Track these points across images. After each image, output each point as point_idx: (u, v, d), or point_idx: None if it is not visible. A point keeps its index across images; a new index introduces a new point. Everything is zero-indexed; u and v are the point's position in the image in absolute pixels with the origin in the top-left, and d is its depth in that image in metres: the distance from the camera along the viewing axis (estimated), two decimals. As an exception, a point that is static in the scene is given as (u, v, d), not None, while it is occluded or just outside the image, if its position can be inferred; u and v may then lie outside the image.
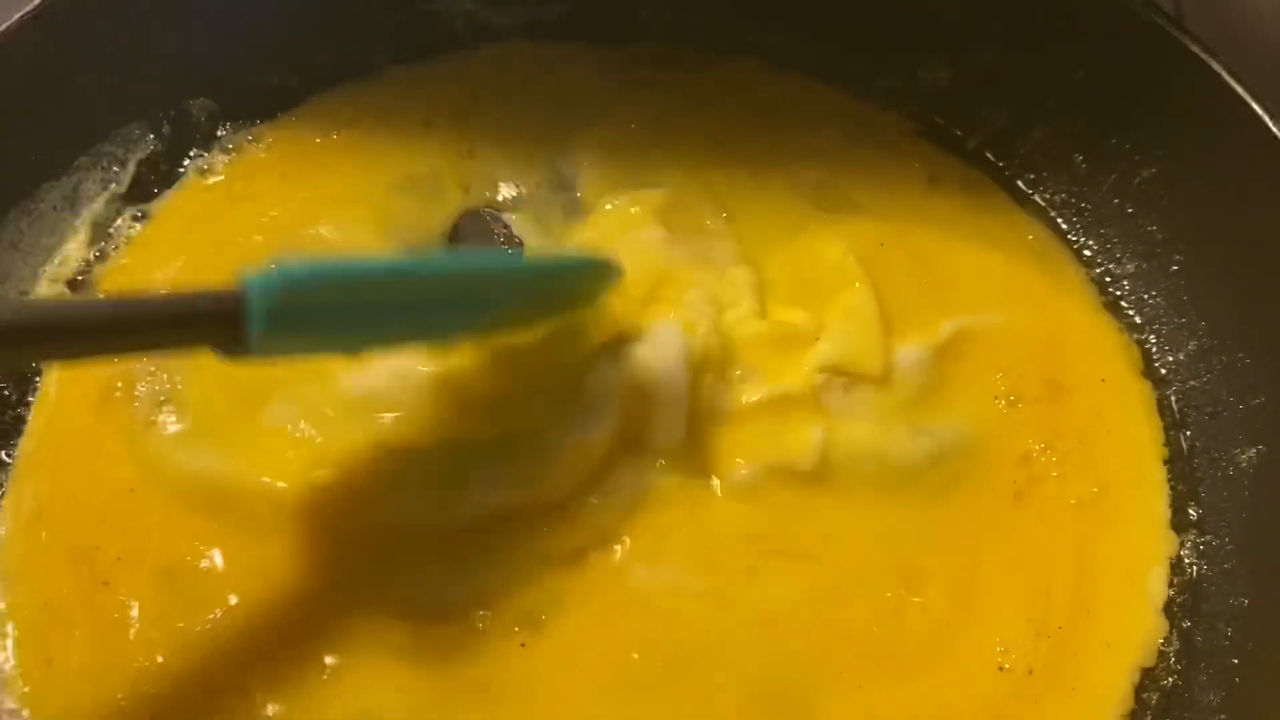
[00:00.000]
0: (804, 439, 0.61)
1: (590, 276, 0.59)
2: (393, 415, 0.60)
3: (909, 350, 0.65)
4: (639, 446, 0.60)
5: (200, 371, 0.62)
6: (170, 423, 0.61)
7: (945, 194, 0.76)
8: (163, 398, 0.62)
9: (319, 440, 0.60)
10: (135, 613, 0.56)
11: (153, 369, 0.63)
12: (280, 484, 0.58)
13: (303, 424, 0.60)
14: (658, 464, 0.60)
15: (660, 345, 0.60)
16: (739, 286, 0.66)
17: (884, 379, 0.64)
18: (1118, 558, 0.61)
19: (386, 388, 0.60)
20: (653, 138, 0.75)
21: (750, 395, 0.62)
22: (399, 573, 0.57)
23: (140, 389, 0.62)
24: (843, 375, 0.63)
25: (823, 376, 0.62)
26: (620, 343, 0.60)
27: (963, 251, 0.73)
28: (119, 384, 0.63)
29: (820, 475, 0.61)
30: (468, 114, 0.76)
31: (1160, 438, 0.66)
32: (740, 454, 0.61)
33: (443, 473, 0.58)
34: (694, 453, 0.60)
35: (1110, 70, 0.71)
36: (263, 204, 0.71)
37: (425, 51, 0.78)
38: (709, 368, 0.61)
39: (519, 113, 0.76)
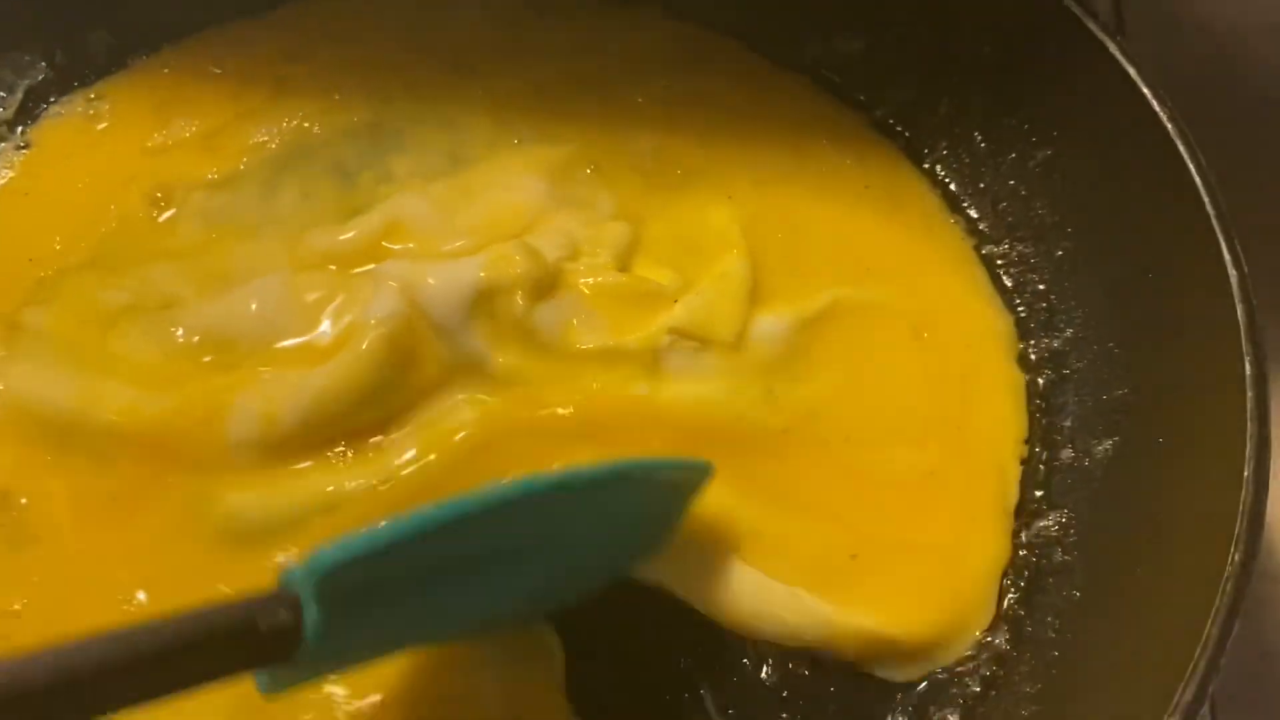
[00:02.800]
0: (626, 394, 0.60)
1: (675, 481, 0.53)
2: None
3: (770, 320, 0.64)
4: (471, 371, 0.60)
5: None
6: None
7: (847, 163, 0.75)
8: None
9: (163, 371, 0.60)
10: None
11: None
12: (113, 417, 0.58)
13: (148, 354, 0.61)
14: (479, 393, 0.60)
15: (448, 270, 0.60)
16: (606, 239, 0.65)
17: (735, 347, 0.63)
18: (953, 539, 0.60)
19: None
20: (550, 91, 0.74)
21: (584, 343, 0.61)
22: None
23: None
24: (691, 339, 0.62)
25: (669, 338, 0.62)
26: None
27: (855, 222, 0.71)
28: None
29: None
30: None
31: (1024, 423, 0.65)
32: (558, 399, 0.60)
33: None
34: (512, 381, 0.60)
35: (1015, 49, 0.70)
36: (146, 142, 0.71)
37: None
38: (520, 289, 0.60)
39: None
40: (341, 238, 0.65)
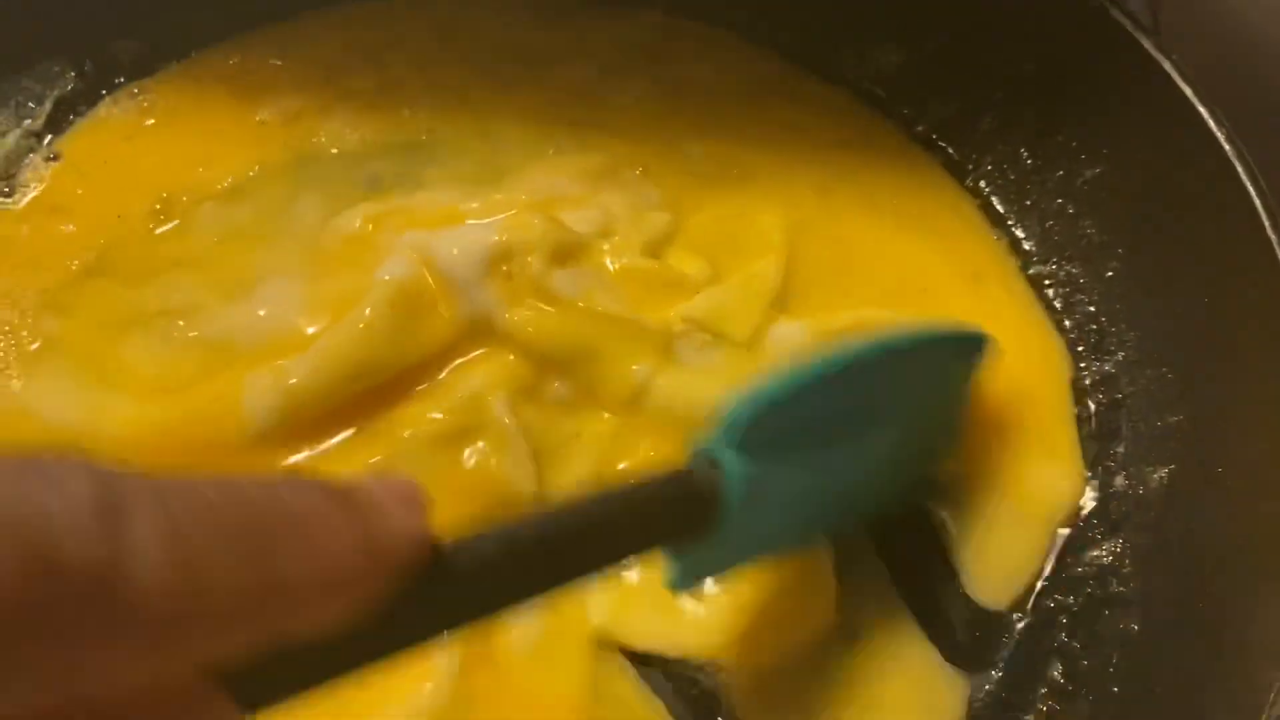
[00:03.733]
0: (624, 371, 0.59)
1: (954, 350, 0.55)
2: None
3: (791, 327, 0.63)
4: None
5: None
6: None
7: (889, 178, 0.73)
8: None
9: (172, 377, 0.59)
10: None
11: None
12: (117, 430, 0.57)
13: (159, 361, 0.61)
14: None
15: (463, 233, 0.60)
16: (644, 225, 0.65)
17: (749, 347, 0.62)
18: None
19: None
20: (590, 98, 0.73)
21: (599, 307, 0.61)
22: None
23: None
24: (705, 332, 0.61)
25: (684, 326, 0.61)
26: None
27: (894, 239, 0.70)
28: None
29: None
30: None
31: (1076, 450, 0.63)
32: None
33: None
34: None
35: (1063, 64, 0.68)
36: (178, 147, 0.70)
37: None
38: (537, 252, 0.60)
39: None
40: (360, 219, 0.65)
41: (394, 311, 0.58)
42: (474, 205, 0.65)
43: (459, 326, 0.60)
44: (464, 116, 0.72)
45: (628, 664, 0.54)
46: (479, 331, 0.60)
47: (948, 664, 0.56)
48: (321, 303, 0.61)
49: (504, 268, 0.60)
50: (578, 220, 0.63)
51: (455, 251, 0.59)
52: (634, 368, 0.59)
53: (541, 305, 0.60)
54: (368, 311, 0.58)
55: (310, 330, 0.61)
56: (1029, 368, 0.65)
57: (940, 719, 0.54)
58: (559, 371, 0.60)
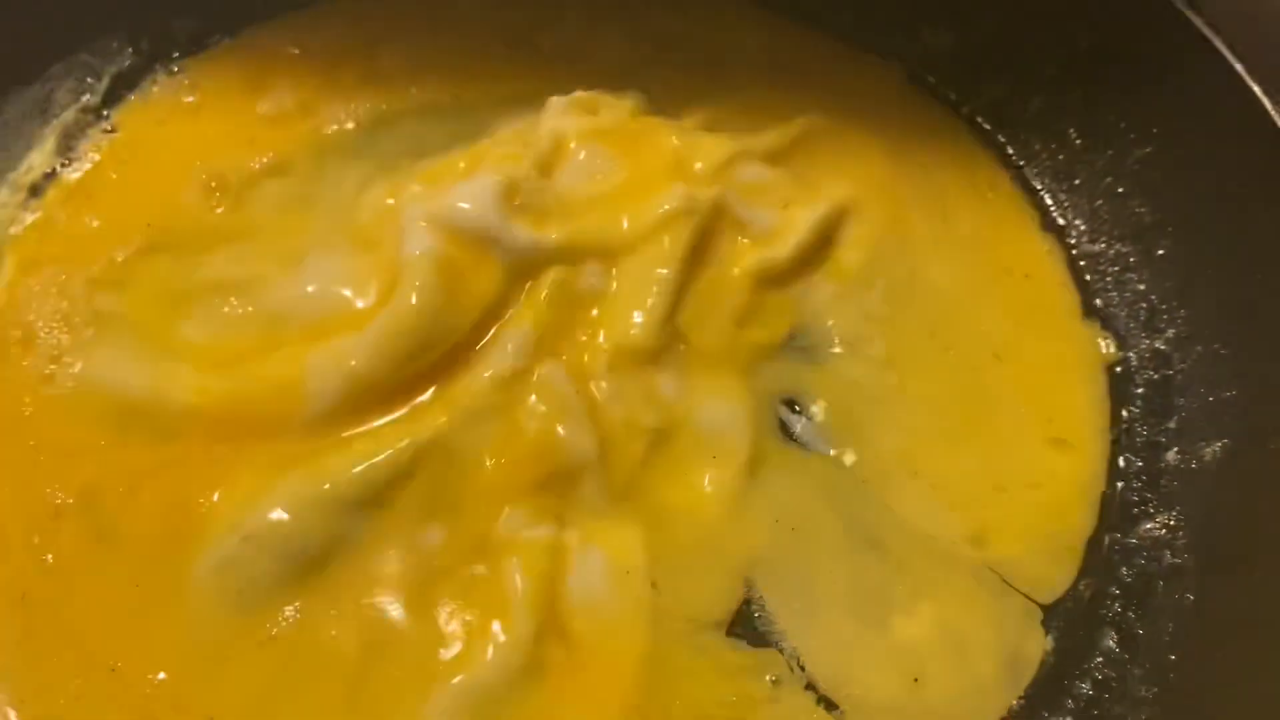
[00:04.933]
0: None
1: None
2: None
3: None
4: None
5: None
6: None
7: (934, 159, 0.74)
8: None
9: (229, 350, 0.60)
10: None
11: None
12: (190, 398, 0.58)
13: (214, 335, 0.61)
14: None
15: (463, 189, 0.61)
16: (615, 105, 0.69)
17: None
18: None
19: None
20: (635, 78, 0.74)
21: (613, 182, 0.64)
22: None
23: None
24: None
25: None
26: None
27: (942, 219, 0.71)
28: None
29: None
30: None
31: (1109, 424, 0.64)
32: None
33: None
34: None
35: (1115, 44, 0.69)
36: (228, 124, 0.71)
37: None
38: (533, 173, 0.62)
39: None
40: (383, 191, 0.66)
41: (442, 282, 0.58)
42: (461, 165, 0.66)
43: (503, 276, 0.60)
44: (508, 90, 0.73)
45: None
46: (521, 275, 0.61)
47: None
48: (364, 276, 0.62)
49: (515, 202, 0.61)
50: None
51: (467, 206, 0.60)
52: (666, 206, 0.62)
53: (568, 213, 0.61)
54: (417, 284, 0.58)
55: (359, 304, 0.61)
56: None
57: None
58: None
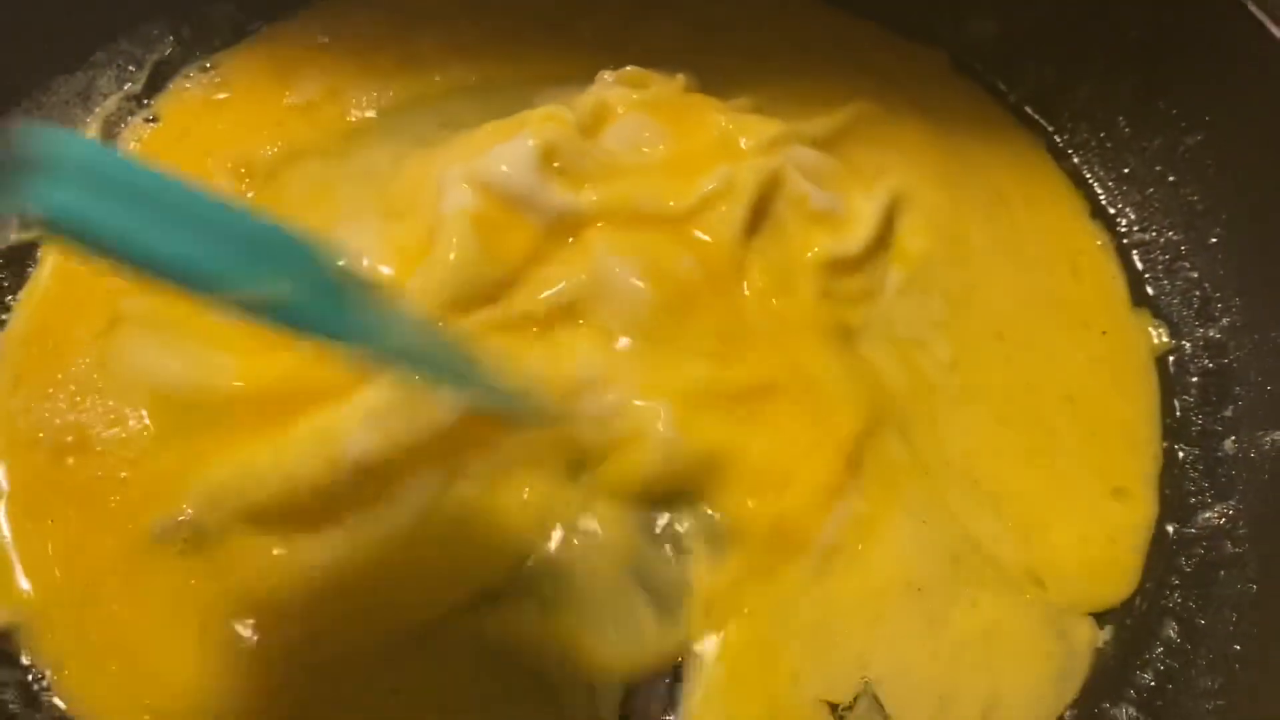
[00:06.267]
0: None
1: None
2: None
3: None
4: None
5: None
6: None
7: (983, 148, 0.73)
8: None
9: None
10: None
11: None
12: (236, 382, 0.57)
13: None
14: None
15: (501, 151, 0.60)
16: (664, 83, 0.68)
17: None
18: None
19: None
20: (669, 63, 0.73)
21: (657, 153, 0.63)
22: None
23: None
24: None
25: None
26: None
27: (988, 211, 0.70)
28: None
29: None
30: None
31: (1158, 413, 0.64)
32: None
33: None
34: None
35: (1166, 31, 0.68)
36: (266, 110, 0.70)
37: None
38: (575, 134, 0.61)
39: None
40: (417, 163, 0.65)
41: (480, 240, 0.58)
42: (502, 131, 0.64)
43: (539, 237, 0.59)
44: (541, 71, 0.72)
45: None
46: (560, 236, 0.60)
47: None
48: (395, 244, 0.61)
49: (554, 164, 0.60)
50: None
51: (505, 169, 0.59)
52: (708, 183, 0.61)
53: (610, 175, 0.61)
54: (454, 240, 0.57)
55: (386, 271, 0.60)
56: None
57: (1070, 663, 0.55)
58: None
